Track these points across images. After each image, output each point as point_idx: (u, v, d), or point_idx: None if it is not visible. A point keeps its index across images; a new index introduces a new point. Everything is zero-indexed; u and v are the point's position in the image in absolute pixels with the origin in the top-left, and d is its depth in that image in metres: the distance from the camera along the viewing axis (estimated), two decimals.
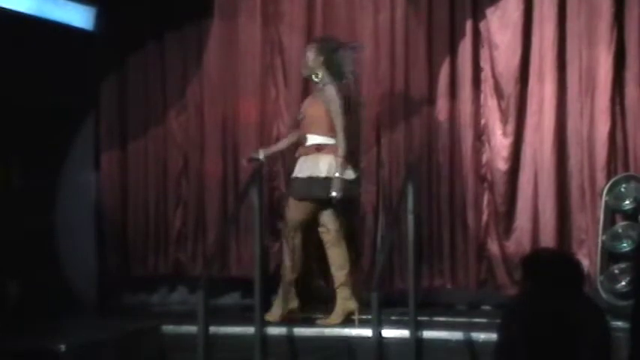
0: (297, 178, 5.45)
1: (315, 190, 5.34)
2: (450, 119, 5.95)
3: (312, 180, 5.35)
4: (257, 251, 5.33)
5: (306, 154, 5.43)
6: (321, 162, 5.34)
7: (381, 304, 4.66)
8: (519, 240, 5.77)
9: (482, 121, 5.93)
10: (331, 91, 5.34)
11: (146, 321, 5.71)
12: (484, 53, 5.91)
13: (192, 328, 5.30)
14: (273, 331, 5.33)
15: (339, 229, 5.40)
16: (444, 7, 5.95)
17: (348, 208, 5.54)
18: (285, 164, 6.21)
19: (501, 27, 5.84)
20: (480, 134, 5.94)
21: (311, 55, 5.43)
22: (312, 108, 5.46)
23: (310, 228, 5.45)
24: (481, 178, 5.93)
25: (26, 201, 6.39)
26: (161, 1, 6.46)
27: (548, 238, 5.65)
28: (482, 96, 5.93)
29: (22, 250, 6.20)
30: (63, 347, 4.62)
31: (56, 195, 6.53)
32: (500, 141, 5.85)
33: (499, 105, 5.86)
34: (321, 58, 5.39)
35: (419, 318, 4.98)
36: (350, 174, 5.35)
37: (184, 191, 6.53)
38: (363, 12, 6.10)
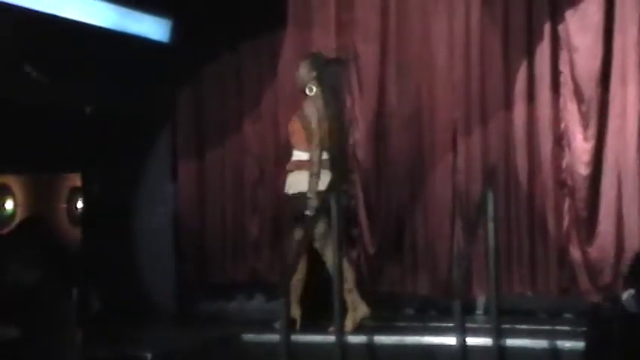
0: (286, 194, 5.53)
1: (298, 206, 5.37)
2: (527, 124, 5.80)
3: (294, 197, 5.43)
4: (336, 260, 5.27)
5: (291, 170, 5.51)
6: (301, 178, 5.40)
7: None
8: (602, 246, 5.58)
9: (562, 126, 5.76)
10: (311, 106, 5.42)
11: (226, 329, 5.70)
12: (563, 56, 5.74)
13: (272, 337, 5.27)
14: (353, 339, 5.25)
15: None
16: (521, 10, 5.81)
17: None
18: (360, 172, 6.15)
19: (581, 29, 5.66)
20: (560, 139, 5.77)
21: (304, 71, 5.51)
22: (294, 123, 5.54)
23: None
24: (561, 184, 5.76)
25: (105, 211, 6.45)
26: (236, 13, 6.45)
27: (634, 243, 5.44)
28: (561, 100, 5.77)
29: (103, 260, 6.26)
30: (149, 356, 4.63)
31: (135, 205, 6.58)
32: (580, 145, 5.67)
33: (579, 109, 5.68)
34: (314, 73, 5.47)
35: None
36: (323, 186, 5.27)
37: (261, 200, 6.50)
38: (438, 17, 6.00)
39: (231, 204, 6.55)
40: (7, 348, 4.03)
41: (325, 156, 5.43)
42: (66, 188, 9.45)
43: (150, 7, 6.28)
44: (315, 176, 5.33)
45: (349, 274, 5.44)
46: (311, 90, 5.48)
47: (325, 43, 6.26)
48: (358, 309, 5.43)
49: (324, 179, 5.33)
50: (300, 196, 5.38)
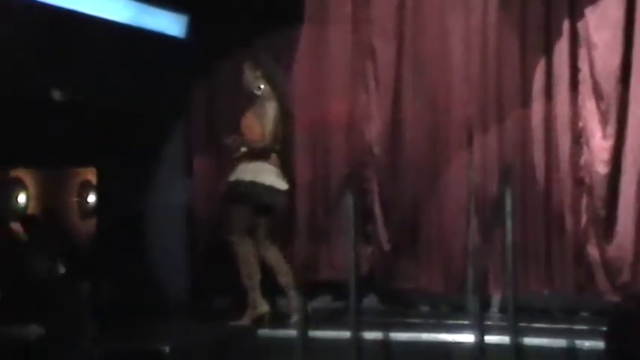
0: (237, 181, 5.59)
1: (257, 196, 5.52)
2: (545, 121, 5.69)
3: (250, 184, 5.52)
4: (351, 255, 5.19)
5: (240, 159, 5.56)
6: (258, 169, 5.51)
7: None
8: (621, 244, 5.47)
9: (580, 124, 5.66)
10: (265, 104, 5.52)
11: (239, 324, 5.59)
12: (582, 53, 5.63)
13: (287, 332, 5.20)
14: (369, 335, 5.16)
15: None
16: (539, 6, 5.70)
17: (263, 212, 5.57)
18: (376, 168, 6.06)
19: (601, 26, 5.55)
20: (578, 137, 5.66)
21: (248, 72, 5.63)
22: (246, 119, 5.62)
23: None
24: (579, 182, 5.66)
25: (119, 205, 6.37)
26: (251, 9, 6.35)
27: None
28: (580, 97, 5.66)
29: (117, 254, 6.18)
30: (167, 348, 4.56)
31: (149, 200, 6.49)
32: (599, 143, 5.56)
33: (598, 106, 5.58)
34: (259, 72, 5.58)
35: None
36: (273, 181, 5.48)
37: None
38: (454, 14, 5.89)
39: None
40: (26, 343, 3.95)
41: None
42: (77, 182, 9.42)
43: (166, 3, 6.20)
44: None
45: (284, 267, 5.51)
46: (259, 89, 5.58)
47: (341, 39, 6.17)
48: (259, 307, 5.46)
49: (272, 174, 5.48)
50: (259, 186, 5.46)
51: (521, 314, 5.14)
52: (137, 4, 6.00)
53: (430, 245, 5.92)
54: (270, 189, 5.51)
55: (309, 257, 5.88)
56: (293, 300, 5.44)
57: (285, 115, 5.66)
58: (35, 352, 3.99)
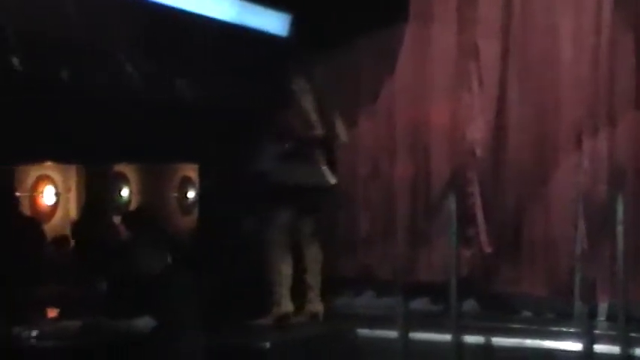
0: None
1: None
2: None
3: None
4: (453, 257, 5.08)
5: None
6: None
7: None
8: None
9: None
10: None
11: (337, 324, 5.53)
12: None
13: (386, 333, 5.10)
14: (470, 339, 5.01)
15: None
16: None
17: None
18: (478, 169, 5.90)
19: None
20: None
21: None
22: None
23: None
24: None
25: (220, 202, 6.39)
26: (355, 7, 6.26)
27: None
28: None
29: (218, 249, 6.20)
30: (267, 344, 4.52)
31: (248, 197, 6.48)
32: None
33: None
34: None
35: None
36: None
37: (373, 195, 6.30)
38: (565, 14, 5.66)
39: (343, 197, 6.37)
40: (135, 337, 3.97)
41: None
42: (177, 178, 9.54)
43: (270, 2, 6.18)
44: None
45: (317, 268, 5.43)
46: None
47: (445, 38, 6.03)
48: (283, 304, 5.31)
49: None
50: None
51: (631, 324, 4.92)
52: (242, 3, 6.00)
53: (534, 249, 5.71)
54: (315, 188, 5.40)
55: (408, 258, 5.76)
56: (313, 303, 5.36)
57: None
58: (143, 347, 3.99)
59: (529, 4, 5.80)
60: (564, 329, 5.07)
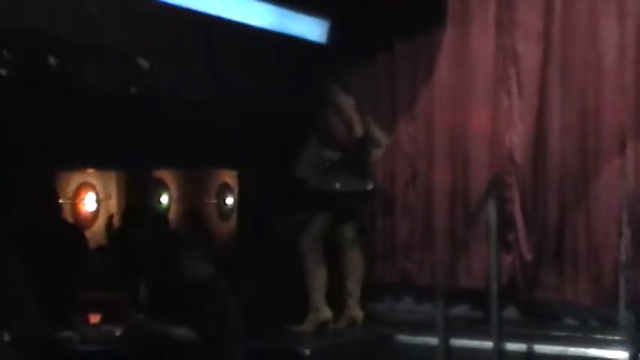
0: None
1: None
2: None
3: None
4: (494, 263, 4.99)
5: None
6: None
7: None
8: None
9: None
10: None
11: (378, 329, 5.47)
12: None
13: (427, 339, 5.03)
14: (512, 346, 4.92)
15: None
16: None
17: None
18: (518, 175, 5.80)
19: None
20: None
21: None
22: None
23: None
24: None
25: (259, 209, 6.38)
26: (393, 12, 6.22)
27: None
28: None
29: (257, 256, 6.17)
30: (308, 351, 4.48)
31: (287, 202, 6.45)
32: None
33: None
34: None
35: None
36: None
37: (412, 200, 6.23)
38: (608, 18, 5.54)
39: (380, 203, 6.32)
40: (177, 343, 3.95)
41: None
42: (216, 184, 9.56)
43: (307, 8, 6.15)
44: None
45: (358, 274, 5.39)
46: None
47: (484, 42, 5.95)
48: (322, 311, 5.24)
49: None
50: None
51: None
52: (281, 9, 5.99)
53: (577, 256, 5.59)
54: (354, 193, 5.36)
55: (448, 264, 5.68)
56: (352, 309, 5.31)
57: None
58: (184, 353, 3.98)
59: (570, 8, 5.68)
60: (609, 337, 4.95)
